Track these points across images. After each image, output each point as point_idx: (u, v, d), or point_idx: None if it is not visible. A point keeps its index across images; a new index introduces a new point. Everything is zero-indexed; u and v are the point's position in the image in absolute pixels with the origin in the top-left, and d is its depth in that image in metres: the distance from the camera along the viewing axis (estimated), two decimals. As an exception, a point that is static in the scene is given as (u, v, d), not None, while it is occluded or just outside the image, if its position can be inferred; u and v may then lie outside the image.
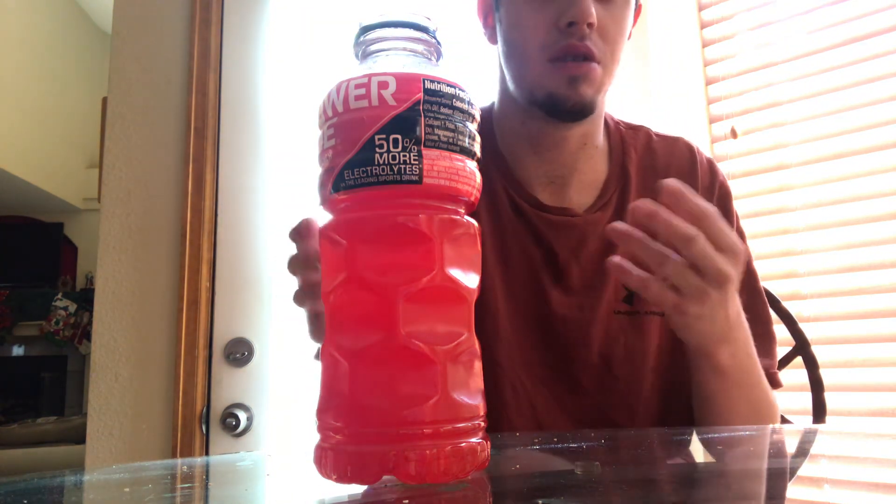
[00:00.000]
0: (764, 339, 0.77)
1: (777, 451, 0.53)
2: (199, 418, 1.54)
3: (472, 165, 0.38)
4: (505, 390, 0.74)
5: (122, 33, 1.72)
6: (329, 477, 0.36)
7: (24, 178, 3.85)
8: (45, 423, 3.33)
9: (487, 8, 0.82)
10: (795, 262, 1.50)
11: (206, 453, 1.52)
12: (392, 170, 0.35)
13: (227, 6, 1.72)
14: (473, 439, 0.36)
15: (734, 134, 1.61)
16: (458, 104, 0.37)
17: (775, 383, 0.78)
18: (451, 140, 0.37)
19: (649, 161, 0.84)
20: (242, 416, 1.53)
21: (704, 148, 1.65)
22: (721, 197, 0.85)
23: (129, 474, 0.50)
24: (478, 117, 0.40)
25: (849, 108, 1.48)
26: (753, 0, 1.63)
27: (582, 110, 0.74)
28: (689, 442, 0.60)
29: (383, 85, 0.36)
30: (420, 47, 0.39)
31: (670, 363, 0.77)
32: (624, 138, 0.85)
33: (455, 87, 0.37)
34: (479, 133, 0.42)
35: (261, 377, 1.57)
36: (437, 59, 0.40)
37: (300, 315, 0.65)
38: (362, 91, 0.36)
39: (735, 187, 1.61)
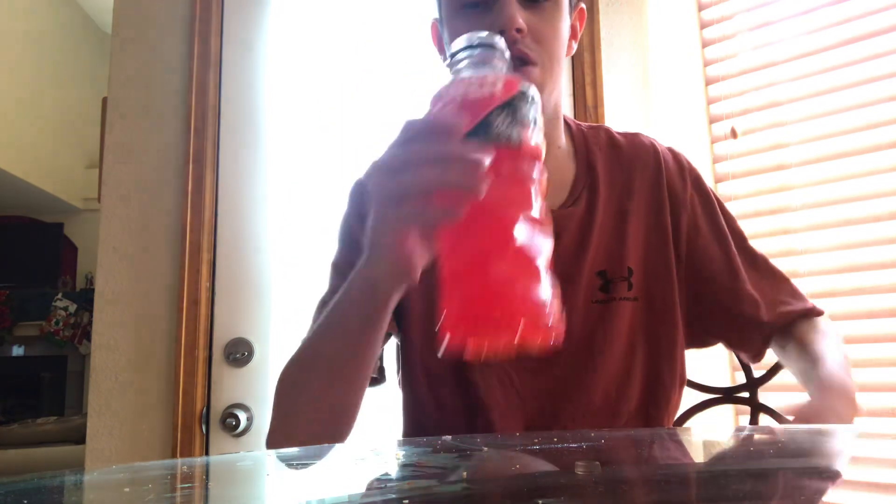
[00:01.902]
0: (783, 284, 0.89)
1: (777, 451, 0.53)
2: (199, 418, 1.54)
3: (540, 136, 0.54)
4: (492, 377, 0.81)
5: (122, 33, 1.72)
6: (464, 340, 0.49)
7: (24, 178, 3.86)
8: (45, 423, 3.33)
9: (439, 38, 0.89)
10: (795, 262, 1.50)
11: (206, 453, 1.52)
12: (508, 134, 0.52)
13: (227, 6, 1.72)
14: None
15: (734, 134, 1.61)
16: (534, 94, 0.54)
17: (817, 312, 0.88)
18: (534, 120, 0.54)
19: (614, 156, 0.89)
20: (242, 416, 1.53)
21: (704, 148, 1.66)
22: (694, 180, 0.90)
23: (129, 474, 0.50)
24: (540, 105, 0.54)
25: (849, 108, 1.48)
26: (753, 0, 1.63)
27: None
28: (688, 442, 0.60)
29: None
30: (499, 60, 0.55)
31: (644, 344, 0.83)
32: (586, 137, 0.90)
33: (530, 86, 0.54)
34: None
35: (261, 377, 1.57)
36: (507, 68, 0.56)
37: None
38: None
39: (735, 187, 1.61)
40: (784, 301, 0.88)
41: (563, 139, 0.88)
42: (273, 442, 0.73)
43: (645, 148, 0.90)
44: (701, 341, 0.91)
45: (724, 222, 0.89)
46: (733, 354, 1.09)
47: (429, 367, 0.83)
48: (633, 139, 0.91)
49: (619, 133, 0.92)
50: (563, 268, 0.80)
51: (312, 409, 0.72)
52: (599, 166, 0.87)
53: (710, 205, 0.89)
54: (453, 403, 0.82)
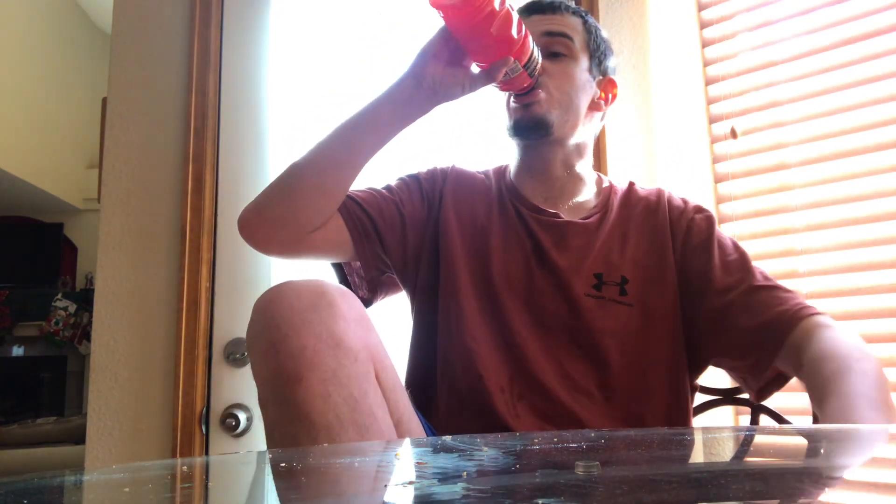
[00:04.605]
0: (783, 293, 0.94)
1: (777, 451, 0.53)
2: (199, 418, 1.54)
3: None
4: (496, 337, 0.96)
5: (122, 33, 1.72)
6: None
7: (24, 179, 3.85)
8: (45, 424, 3.33)
9: None
10: (795, 262, 1.50)
11: (206, 453, 1.52)
12: None
13: (227, 6, 1.72)
14: None
15: (734, 134, 1.61)
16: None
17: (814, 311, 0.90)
18: None
19: (628, 197, 1.07)
20: (242, 416, 1.53)
21: (704, 148, 1.65)
22: (696, 208, 1.04)
23: (129, 474, 0.50)
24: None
25: (849, 108, 1.48)
26: (753, 0, 1.63)
27: (536, 125, 0.99)
28: (689, 442, 0.60)
29: None
30: None
31: (634, 345, 0.95)
32: (612, 186, 1.09)
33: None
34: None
35: (261, 377, 1.57)
36: None
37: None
38: None
39: (735, 187, 1.61)
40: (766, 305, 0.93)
41: (586, 171, 1.07)
42: (250, 209, 1.06)
43: (656, 192, 1.07)
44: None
45: (715, 242, 0.99)
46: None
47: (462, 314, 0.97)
48: (650, 189, 1.08)
49: (641, 187, 1.09)
50: (564, 263, 0.99)
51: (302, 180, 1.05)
52: (616, 201, 1.06)
53: (710, 226, 1.01)
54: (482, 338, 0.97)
